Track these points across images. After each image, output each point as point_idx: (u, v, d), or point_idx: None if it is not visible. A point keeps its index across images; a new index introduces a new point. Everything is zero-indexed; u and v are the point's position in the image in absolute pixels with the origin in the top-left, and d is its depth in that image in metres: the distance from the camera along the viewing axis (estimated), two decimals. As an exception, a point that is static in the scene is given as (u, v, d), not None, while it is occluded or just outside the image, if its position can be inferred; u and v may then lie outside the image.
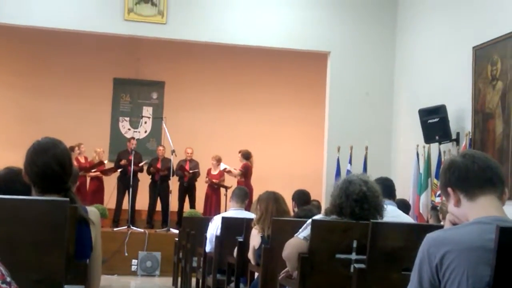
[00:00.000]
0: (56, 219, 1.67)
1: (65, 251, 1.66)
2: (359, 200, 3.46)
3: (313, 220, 3.57)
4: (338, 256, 3.43)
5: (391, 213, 4.28)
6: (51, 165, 2.55)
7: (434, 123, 8.74)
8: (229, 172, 11.89)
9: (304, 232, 3.59)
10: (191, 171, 11.98)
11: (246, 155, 11.73)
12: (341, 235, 3.45)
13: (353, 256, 3.41)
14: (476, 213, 2.09)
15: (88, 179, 11.94)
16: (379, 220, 3.27)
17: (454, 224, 2.18)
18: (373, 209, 3.45)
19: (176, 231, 10.41)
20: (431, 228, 2.16)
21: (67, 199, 1.81)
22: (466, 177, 2.13)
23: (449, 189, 2.16)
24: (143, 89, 14.06)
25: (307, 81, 13.55)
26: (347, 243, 3.44)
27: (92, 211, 2.69)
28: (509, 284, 1.89)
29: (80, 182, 11.24)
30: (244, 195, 6.34)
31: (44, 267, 1.64)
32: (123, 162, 11.68)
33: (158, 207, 12.12)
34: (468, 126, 8.36)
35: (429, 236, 2.09)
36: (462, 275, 1.97)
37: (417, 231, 2.24)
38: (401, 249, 2.77)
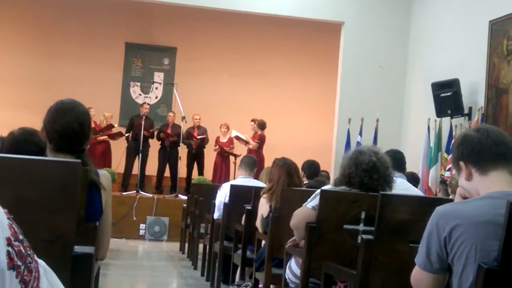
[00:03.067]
0: (68, 181, 1.67)
1: (76, 213, 1.67)
2: (369, 170, 3.45)
3: (322, 190, 3.57)
4: (345, 226, 3.44)
5: (401, 186, 4.28)
6: (72, 124, 2.57)
7: (447, 97, 8.69)
8: (244, 142, 11.83)
9: (313, 202, 3.59)
10: (198, 137, 12.00)
11: (262, 125, 11.71)
12: (350, 205, 3.45)
13: (361, 227, 3.42)
14: (488, 188, 2.08)
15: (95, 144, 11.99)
16: (388, 192, 3.26)
17: (464, 198, 2.18)
18: (382, 180, 3.45)
19: (185, 197, 10.47)
20: (440, 202, 2.15)
21: (79, 160, 1.82)
22: (479, 151, 2.12)
23: (461, 163, 2.15)
24: (154, 55, 14.02)
25: (320, 51, 13.47)
26: (355, 214, 3.44)
27: (104, 175, 2.70)
28: (518, 259, 1.88)
29: (90, 144, 11.30)
30: (252, 164, 6.34)
31: (55, 227, 1.66)
32: (146, 133, 11.62)
33: (167, 173, 12.17)
34: (481, 101, 8.30)
35: (439, 209, 2.08)
36: (470, 249, 1.97)
37: (426, 204, 2.23)
38: (409, 221, 2.77)
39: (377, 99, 10.52)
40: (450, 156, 6.69)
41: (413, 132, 10.18)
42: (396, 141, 9.94)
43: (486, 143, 2.11)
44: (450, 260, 2.04)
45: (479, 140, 2.12)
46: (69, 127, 2.56)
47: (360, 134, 10.06)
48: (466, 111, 8.61)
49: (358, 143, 9.55)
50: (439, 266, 2.08)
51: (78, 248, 1.68)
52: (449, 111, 8.67)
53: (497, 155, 2.10)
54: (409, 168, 8.37)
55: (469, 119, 8.53)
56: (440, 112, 8.84)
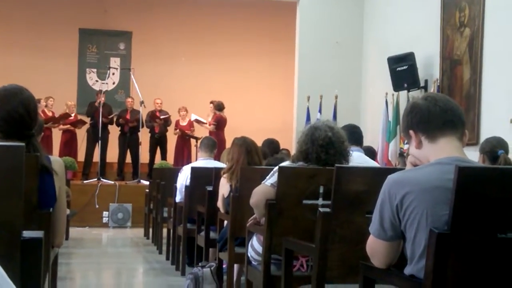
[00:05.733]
0: (12, 165, 1.64)
1: (22, 197, 1.64)
2: (325, 145, 3.47)
3: (280, 167, 3.58)
4: (305, 201, 3.46)
5: (358, 159, 4.32)
6: (17, 109, 2.53)
7: (403, 70, 8.77)
8: (200, 122, 11.86)
9: (271, 179, 3.60)
10: (162, 117, 11.92)
11: (219, 106, 11.69)
12: (308, 181, 3.47)
13: (320, 201, 3.44)
14: (437, 154, 2.11)
15: (59, 133, 11.83)
16: (343, 165, 3.29)
17: (415, 166, 2.21)
18: (339, 154, 3.47)
19: (147, 183, 10.41)
20: (394, 171, 2.18)
21: (22, 144, 1.79)
22: (427, 119, 2.15)
23: (411, 131, 2.18)
24: (110, 40, 13.83)
25: (277, 30, 13.46)
26: (314, 188, 3.46)
27: (56, 161, 2.67)
28: (467, 222, 1.93)
29: (46, 135, 11.13)
30: (212, 145, 6.33)
31: (2, 212, 1.63)
32: (104, 119, 11.48)
33: (129, 159, 12.08)
34: (436, 73, 8.41)
35: (390, 177, 2.11)
36: (421, 215, 2.00)
37: (381, 175, 2.25)
38: (365, 192, 2.79)
39: (335, 76, 10.57)
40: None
41: (372, 107, 10.28)
42: (356, 117, 10.03)
43: (434, 111, 2.14)
44: (403, 226, 2.08)
45: (427, 108, 2.15)
46: (15, 112, 2.52)
47: (320, 111, 10.12)
48: (422, 84, 8.71)
49: (318, 121, 9.59)
50: (393, 233, 2.11)
51: (26, 233, 1.66)
52: (405, 85, 8.76)
53: (445, 122, 2.13)
54: (369, 142, 8.50)
55: (426, 91, 8.64)
56: (397, 86, 8.93)
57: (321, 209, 2.91)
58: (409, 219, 2.04)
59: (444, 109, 2.14)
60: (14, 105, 2.53)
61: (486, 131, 6.73)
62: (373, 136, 9.36)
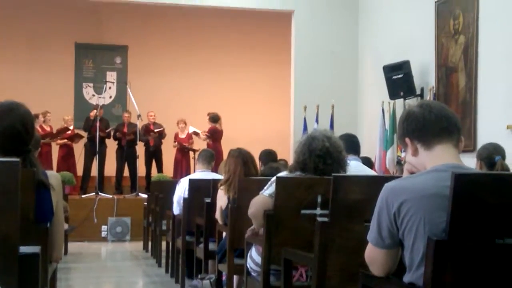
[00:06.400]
0: (7, 181, 1.64)
1: (18, 212, 1.64)
2: (322, 155, 3.47)
3: (277, 177, 3.58)
4: (303, 211, 3.46)
5: (355, 168, 4.32)
6: (14, 125, 2.53)
7: (399, 79, 8.79)
8: (197, 135, 11.88)
9: (269, 189, 3.60)
10: (156, 130, 11.92)
11: (214, 118, 11.71)
12: (306, 191, 3.46)
13: (318, 211, 3.44)
14: (433, 162, 2.12)
15: (57, 147, 11.82)
16: (340, 174, 3.29)
17: (412, 173, 2.21)
18: (336, 164, 3.47)
19: (145, 196, 10.39)
20: (391, 179, 2.18)
21: (17, 159, 1.79)
22: (423, 126, 2.15)
23: (407, 139, 2.18)
24: (106, 54, 13.85)
25: (272, 41, 13.50)
26: (312, 198, 3.46)
27: (53, 175, 2.67)
28: (464, 229, 1.92)
29: (45, 150, 11.12)
30: (210, 157, 6.33)
31: (-2, 228, 1.63)
32: (102, 134, 11.49)
33: (127, 173, 12.07)
34: (432, 81, 8.43)
35: (387, 186, 2.11)
36: (419, 223, 2.00)
37: (378, 183, 2.25)
38: (363, 201, 2.79)
39: (331, 85, 10.59)
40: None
41: (369, 116, 10.29)
42: (353, 126, 10.03)
43: (429, 118, 2.15)
44: (400, 234, 2.07)
45: (422, 115, 2.16)
46: (12, 128, 2.52)
47: (317, 121, 10.13)
48: (418, 91, 8.73)
49: (315, 130, 9.59)
50: (391, 241, 2.11)
51: (23, 249, 1.66)
52: (401, 93, 8.78)
53: (441, 129, 2.14)
54: (367, 151, 8.50)
55: (422, 99, 8.66)
56: (393, 95, 8.95)
57: (319, 219, 2.91)
58: (407, 227, 2.03)
59: (439, 116, 2.15)
60: (11, 121, 2.53)
61: (483, 138, 6.74)
62: (370, 144, 9.36)
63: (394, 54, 9.17)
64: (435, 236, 1.93)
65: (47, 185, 2.53)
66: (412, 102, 8.72)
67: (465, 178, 1.93)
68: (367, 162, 6.79)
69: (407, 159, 2.23)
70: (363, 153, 7.53)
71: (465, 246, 1.93)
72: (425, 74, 8.65)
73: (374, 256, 2.18)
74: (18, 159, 1.81)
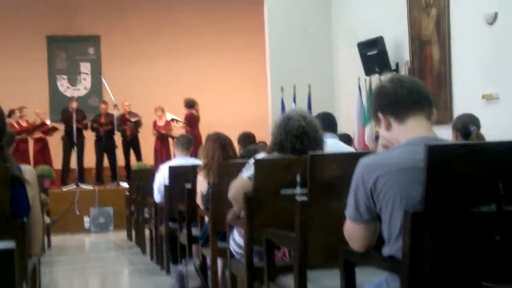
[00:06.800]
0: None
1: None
2: (299, 135, 3.47)
3: (256, 159, 3.58)
4: (283, 192, 3.46)
5: (333, 146, 4.32)
6: None
7: (373, 55, 8.81)
8: (178, 122, 11.84)
9: (248, 171, 3.60)
10: (132, 120, 11.85)
11: (189, 104, 11.67)
12: (284, 171, 3.46)
13: (298, 190, 3.44)
14: (407, 135, 2.13)
15: (32, 142, 11.71)
16: (317, 153, 3.29)
17: (386, 148, 2.22)
18: (313, 143, 3.47)
19: (126, 185, 10.36)
20: (366, 156, 2.18)
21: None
22: (395, 101, 2.16)
23: (380, 114, 2.19)
24: (78, 45, 13.70)
25: (246, 24, 13.43)
26: (291, 178, 3.46)
27: (27, 170, 2.64)
28: (440, 200, 1.94)
29: (22, 146, 11.02)
30: (188, 143, 6.31)
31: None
32: (79, 125, 11.39)
33: (106, 163, 12.01)
34: (406, 55, 8.46)
35: (362, 161, 2.12)
36: (395, 197, 2.01)
37: (354, 160, 2.25)
38: (341, 178, 2.79)
39: (307, 65, 10.57)
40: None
41: (346, 93, 10.30)
42: (330, 104, 10.05)
43: (400, 93, 2.15)
44: (378, 209, 2.08)
45: (394, 90, 2.16)
46: None
47: (294, 101, 10.12)
48: (393, 67, 8.75)
49: (291, 111, 9.59)
50: (369, 216, 2.12)
51: (-2, 245, 1.64)
52: (377, 69, 8.80)
53: (412, 102, 2.15)
54: (345, 128, 8.53)
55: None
56: (369, 71, 8.97)
57: (298, 198, 2.91)
58: (384, 201, 2.05)
59: (410, 90, 2.15)
60: None
61: (459, 109, 6.78)
62: (348, 121, 9.39)
63: (367, 30, 9.16)
64: (412, 209, 1.94)
65: (21, 180, 2.51)
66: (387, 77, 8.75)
67: (438, 149, 1.94)
68: (346, 139, 6.80)
69: (381, 133, 2.24)
70: (342, 131, 7.57)
71: (441, 217, 1.94)
72: (399, 49, 8.67)
73: (353, 232, 2.20)
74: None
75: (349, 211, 2.17)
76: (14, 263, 1.64)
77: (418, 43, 8.16)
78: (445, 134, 4.87)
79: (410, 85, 2.17)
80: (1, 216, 2.31)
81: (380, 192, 2.04)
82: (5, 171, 2.36)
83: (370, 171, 2.07)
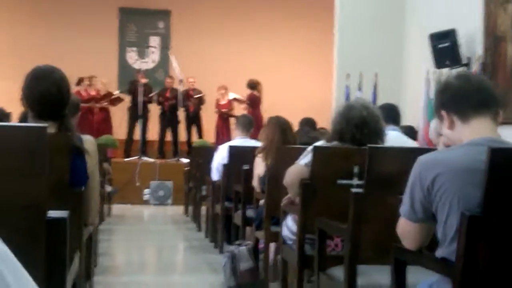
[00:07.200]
0: (35, 146, 1.66)
1: (45, 178, 1.66)
2: (360, 125, 3.42)
3: (314, 146, 3.56)
4: (339, 181, 3.43)
5: (395, 139, 4.26)
6: (50, 90, 2.55)
7: (445, 48, 8.57)
8: (239, 101, 11.88)
9: (306, 158, 3.58)
10: (195, 96, 11.96)
11: (252, 85, 11.67)
12: (343, 161, 3.43)
13: (355, 181, 3.40)
14: (470, 135, 2.05)
15: (96, 111, 11.98)
16: (376, 145, 3.24)
17: (448, 146, 2.16)
18: (374, 134, 3.42)
19: (187, 161, 10.49)
20: (426, 152, 2.13)
21: (45, 125, 1.80)
22: (460, 98, 2.09)
23: (443, 112, 2.12)
24: (149, 19, 13.89)
25: (315, 9, 13.31)
26: (348, 168, 3.42)
27: (88, 140, 2.69)
28: (499, 205, 1.87)
29: (88, 115, 11.29)
30: (248, 123, 6.32)
31: (26, 194, 1.65)
32: (145, 98, 11.58)
33: (169, 137, 12.18)
34: (479, 50, 8.20)
35: (421, 159, 2.07)
36: (453, 197, 1.95)
37: (415, 155, 2.20)
38: (398, 173, 2.73)
39: (376, 53, 10.38)
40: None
41: (413, 85, 10.09)
42: (397, 95, 9.84)
43: (467, 90, 2.08)
44: (434, 209, 2.03)
45: (460, 87, 2.09)
46: (47, 93, 2.54)
47: (360, 89, 9.98)
48: (465, 61, 8.51)
49: (353, 100, 9.48)
50: (424, 215, 2.07)
51: (52, 213, 1.68)
52: (447, 62, 8.57)
53: (479, 101, 2.07)
54: (411, 121, 8.36)
55: (468, 69, 8.44)
56: (439, 64, 8.73)
57: (353, 190, 2.88)
58: (440, 201, 1.99)
59: (477, 88, 2.08)
60: (47, 86, 2.56)
61: (531, 110, 6.54)
62: (415, 114, 9.19)
63: (440, 22, 8.92)
64: (469, 211, 1.88)
65: (81, 150, 2.56)
66: (453, 73, 8.51)
67: (501, 152, 1.87)
68: (410, 131, 6.68)
69: (443, 132, 2.17)
70: (407, 123, 7.44)
71: (499, 223, 1.88)
72: (472, 43, 8.41)
73: (407, 230, 2.15)
74: (46, 125, 1.83)
75: (404, 208, 2.13)
76: (66, 232, 1.68)
77: (492, 39, 7.89)
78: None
79: (478, 83, 2.09)
80: (60, 184, 2.37)
81: (437, 191, 1.99)
82: (66, 140, 2.41)
83: (429, 169, 2.01)
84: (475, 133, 2.04)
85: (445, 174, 1.97)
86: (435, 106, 2.20)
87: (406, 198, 2.11)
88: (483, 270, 1.89)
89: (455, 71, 8.50)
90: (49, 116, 2.55)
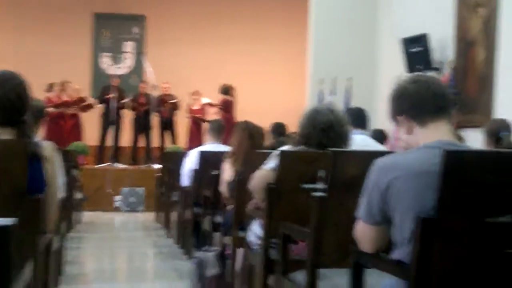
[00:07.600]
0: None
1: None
2: (326, 129, 3.42)
3: (281, 151, 3.55)
4: (304, 186, 3.42)
5: (361, 143, 4.27)
6: (9, 96, 2.51)
7: (417, 52, 8.64)
8: (214, 106, 11.86)
9: (271, 163, 3.57)
10: (170, 102, 11.91)
11: (225, 89, 11.67)
12: (308, 165, 3.42)
13: (319, 185, 3.39)
14: (427, 139, 2.06)
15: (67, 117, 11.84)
16: (339, 149, 3.24)
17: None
18: (338, 138, 3.41)
19: (159, 167, 10.42)
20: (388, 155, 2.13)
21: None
22: (418, 104, 2.08)
23: (401, 117, 2.12)
24: (123, 24, 13.80)
25: (288, 14, 13.37)
26: (314, 173, 3.41)
27: (47, 147, 2.64)
28: (454, 207, 1.87)
29: (60, 121, 11.17)
30: (219, 128, 6.28)
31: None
32: (117, 104, 11.50)
33: (142, 143, 12.10)
34: (450, 55, 8.27)
35: (377, 162, 2.07)
36: (409, 200, 1.95)
37: (376, 159, 2.19)
38: (361, 176, 2.72)
39: (349, 58, 10.43)
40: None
41: (386, 89, 10.10)
42: (369, 99, 9.90)
43: (426, 96, 2.07)
44: (390, 211, 2.03)
45: (417, 92, 2.08)
46: (5, 98, 2.49)
47: (332, 94, 10.01)
48: (437, 65, 8.57)
49: (320, 104, 9.50)
50: (381, 218, 2.07)
51: (-2, 221, 1.63)
52: (419, 67, 8.63)
53: (437, 106, 2.07)
54: (383, 125, 8.39)
55: (440, 73, 8.51)
56: (411, 68, 8.79)
57: (316, 194, 2.86)
58: (397, 203, 1.99)
59: (437, 94, 2.08)
60: (4, 92, 2.51)
61: (501, 114, 6.61)
62: (386, 118, 9.23)
63: (413, 27, 8.98)
64: (424, 214, 1.88)
65: (39, 156, 2.51)
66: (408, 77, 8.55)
67: (454, 155, 1.87)
68: (379, 135, 6.72)
69: (401, 136, 2.16)
70: (379, 127, 7.46)
71: (454, 225, 1.88)
72: (443, 48, 8.49)
73: (364, 232, 2.15)
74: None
75: (362, 211, 2.12)
76: (10, 241, 1.64)
77: (464, 44, 7.97)
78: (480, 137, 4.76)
79: (437, 89, 2.08)
80: (17, 191, 2.33)
81: (393, 194, 1.99)
82: (23, 147, 2.37)
83: (385, 172, 2.01)
84: (433, 136, 2.04)
85: (401, 177, 1.97)
86: (391, 112, 2.19)
87: (363, 201, 2.11)
88: (437, 272, 1.89)
89: (410, 74, 8.56)
90: (8, 122, 2.51)
